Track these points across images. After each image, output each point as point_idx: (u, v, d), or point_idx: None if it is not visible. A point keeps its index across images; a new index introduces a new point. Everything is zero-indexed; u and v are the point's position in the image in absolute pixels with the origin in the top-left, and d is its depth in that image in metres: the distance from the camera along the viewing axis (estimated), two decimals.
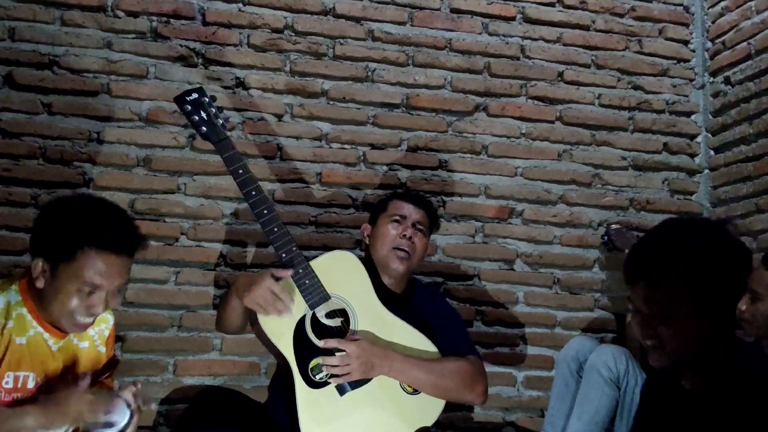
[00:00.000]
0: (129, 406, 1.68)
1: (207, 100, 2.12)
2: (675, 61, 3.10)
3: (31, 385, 1.70)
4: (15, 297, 1.71)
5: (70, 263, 1.63)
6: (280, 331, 2.01)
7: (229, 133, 2.15)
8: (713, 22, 3.06)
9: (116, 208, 1.79)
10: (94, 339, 1.88)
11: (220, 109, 2.13)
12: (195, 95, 2.12)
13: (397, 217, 2.28)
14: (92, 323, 1.76)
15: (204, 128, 2.09)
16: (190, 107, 2.10)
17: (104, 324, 1.92)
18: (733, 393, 1.37)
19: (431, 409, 2.13)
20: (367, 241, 2.34)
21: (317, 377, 2.01)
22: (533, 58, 2.96)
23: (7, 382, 1.67)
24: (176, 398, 2.53)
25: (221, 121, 2.11)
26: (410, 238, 2.25)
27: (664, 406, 1.58)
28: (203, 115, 2.09)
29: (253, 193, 2.05)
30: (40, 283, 1.66)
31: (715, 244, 1.43)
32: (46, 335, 1.73)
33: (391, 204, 2.33)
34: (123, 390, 1.71)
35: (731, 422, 1.35)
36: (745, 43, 2.86)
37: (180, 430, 2.46)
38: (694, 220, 1.59)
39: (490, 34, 2.94)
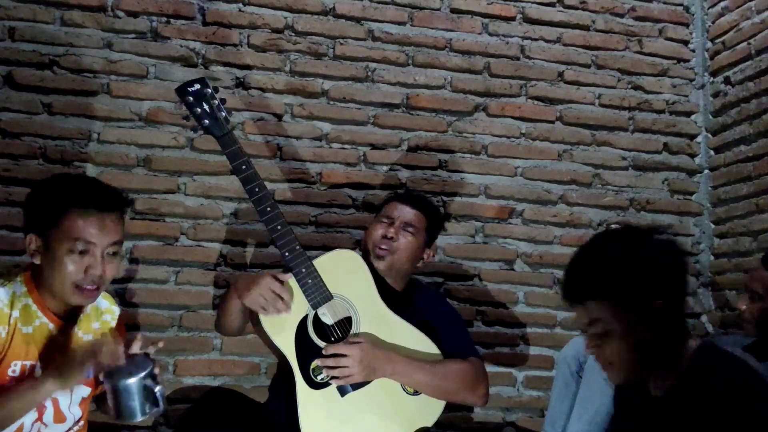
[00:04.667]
0: (147, 354, 1.70)
1: (210, 91, 2.03)
2: (675, 61, 3.10)
3: (37, 373, 1.72)
4: (20, 288, 1.73)
5: (58, 229, 1.68)
6: (282, 331, 2.00)
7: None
8: (713, 22, 3.06)
9: (95, 179, 1.88)
10: (98, 332, 1.89)
11: (223, 101, 2.06)
12: (197, 86, 2.02)
13: (385, 218, 2.27)
14: (98, 291, 1.75)
15: (207, 121, 2.01)
16: (192, 98, 2.01)
17: (109, 315, 1.94)
18: (700, 399, 1.35)
19: (432, 409, 2.13)
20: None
21: (318, 378, 2.01)
22: (533, 58, 2.96)
23: (13, 371, 1.68)
24: (176, 398, 2.53)
25: (224, 114, 2.03)
26: (391, 237, 2.22)
27: (635, 414, 1.57)
28: (206, 107, 2.01)
29: (257, 189, 2.00)
30: (36, 259, 1.71)
31: (642, 254, 1.44)
32: (52, 326, 1.75)
33: (388, 205, 2.33)
34: (133, 345, 1.72)
35: (700, 429, 1.34)
36: (745, 43, 2.86)
37: (180, 430, 2.46)
38: (620, 232, 1.60)
39: (490, 34, 2.94)
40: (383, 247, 2.21)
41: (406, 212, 2.27)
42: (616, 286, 1.43)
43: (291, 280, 2.01)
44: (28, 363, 1.70)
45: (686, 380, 1.41)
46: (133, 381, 1.63)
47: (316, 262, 2.05)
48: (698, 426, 1.34)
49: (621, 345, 1.43)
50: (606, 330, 1.44)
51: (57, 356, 1.74)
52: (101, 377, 1.70)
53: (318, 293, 2.02)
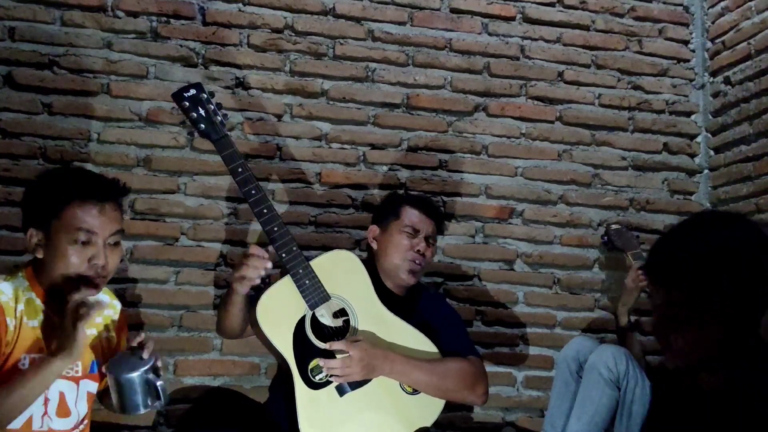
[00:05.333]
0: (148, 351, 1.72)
1: (206, 96, 2.06)
2: (675, 61, 3.09)
3: None
4: (23, 282, 1.75)
5: (59, 221, 1.70)
6: (280, 331, 2.00)
7: (227, 131, 2.14)
8: (713, 22, 3.05)
9: (91, 171, 1.92)
10: (100, 326, 1.90)
11: (219, 105, 2.09)
12: (193, 91, 2.05)
13: (411, 230, 2.28)
14: (102, 281, 1.76)
15: (202, 125, 2.04)
16: (188, 104, 2.04)
17: (111, 310, 1.95)
18: (758, 396, 1.31)
19: (431, 409, 2.13)
20: (374, 245, 2.33)
21: (317, 378, 2.01)
22: (533, 58, 2.96)
23: (23, 364, 1.69)
24: (176, 398, 2.53)
25: (220, 118, 2.06)
26: (423, 254, 2.26)
27: (680, 407, 1.54)
28: (201, 111, 2.03)
29: (253, 192, 2.01)
30: (39, 253, 1.72)
31: (744, 249, 1.35)
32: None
33: (404, 212, 2.31)
34: (134, 340, 1.75)
35: (756, 427, 1.30)
36: (745, 43, 2.86)
37: (180, 430, 2.46)
38: (724, 218, 1.50)
39: (490, 34, 2.94)
40: (417, 262, 2.25)
41: (427, 224, 2.30)
42: (696, 280, 1.35)
43: (288, 280, 2.01)
44: (37, 356, 1.71)
45: (745, 377, 1.38)
46: (135, 375, 1.67)
47: (314, 263, 2.05)
48: (748, 424, 1.31)
49: (689, 334, 1.38)
50: (677, 315, 1.39)
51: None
52: (104, 370, 1.74)
53: (315, 294, 2.02)
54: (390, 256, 2.26)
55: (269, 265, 1.97)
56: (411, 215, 2.30)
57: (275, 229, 2.01)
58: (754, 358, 1.39)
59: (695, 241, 1.39)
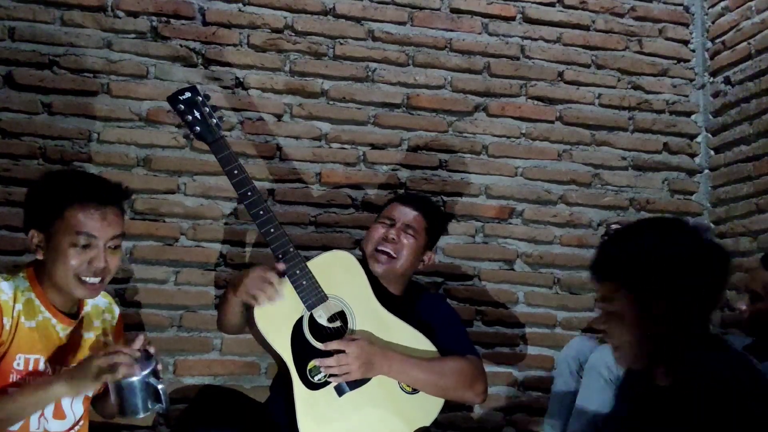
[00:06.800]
0: (149, 352, 1.71)
1: (201, 99, 2.07)
2: (675, 61, 3.09)
3: (41, 367, 1.74)
4: (23, 283, 1.76)
5: (60, 224, 1.70)
6: (278, 332, 2.00)
7: (224, 133, 2.14)
8: (713, 22, 3.05)
9: (94, 174, 1.91)
10: (99, 329, 1.91)
11: (214, 108, 2.09)
12: (188, 94, 2.07)
13: (387, 219, 2.26)
14: (101, 285, 1.77)
15: (198, 128, 2.05)
16: (183, 107, 2.05)
17: (109, 314, 1.96)
18: (701, 393, 1.35)
19: (430, 408, 2.13)
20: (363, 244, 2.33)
21: (315, 378, 2.01)
22: (533, 58, 2.96)
23: (18, 364, 1.70)
24: (176, 398, 2.52)
25: (215, 121, 2.07)
26: (393, 239, 2.20)
27: (638, 400, 1.58)
28: (197, 114, 2.05)
29: (249, 193, 2.03)
30: (39, 255, 1.73)
31: (689, 250, 1.43)
32: (54, 321, 1.78)
33: (389, 206, 2.32)
34: (134, 343, 1.72)
35: (699, 423, 1.34)
36: (745, 43, 2.86)
37: (180, 429, 2.46)
38: (672, 223, 1.58)
39: (490, 34, 2.94)
40: (383, 249, 2.21)
41: (406, 213, 2.25)
42: (634, 276, 1.43)
43: (285, 281, 2.01)
44: (32, 357, 1.72)
45: (688, 373, 1.41)
46: (136, 378, 1.65)
47: (311, 264, 2.05)
48: (695, 419, 1.34)
49: (628, 330, 1.45)
50: (616, 311, 1.46)
51: (69, 358, 1.78)
52: None
53: (313, 294, 2.02)
54: (365, 247, 2.25)
55: (280, 298, 1.99)
56: (392, 207, 2.29)
57: (271, 230, 2.02)
58: (703, 352, 1.43)
59: (634, 243, 1.48)
